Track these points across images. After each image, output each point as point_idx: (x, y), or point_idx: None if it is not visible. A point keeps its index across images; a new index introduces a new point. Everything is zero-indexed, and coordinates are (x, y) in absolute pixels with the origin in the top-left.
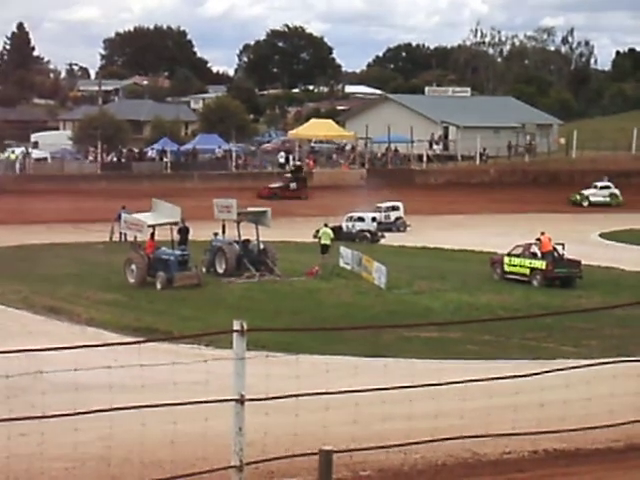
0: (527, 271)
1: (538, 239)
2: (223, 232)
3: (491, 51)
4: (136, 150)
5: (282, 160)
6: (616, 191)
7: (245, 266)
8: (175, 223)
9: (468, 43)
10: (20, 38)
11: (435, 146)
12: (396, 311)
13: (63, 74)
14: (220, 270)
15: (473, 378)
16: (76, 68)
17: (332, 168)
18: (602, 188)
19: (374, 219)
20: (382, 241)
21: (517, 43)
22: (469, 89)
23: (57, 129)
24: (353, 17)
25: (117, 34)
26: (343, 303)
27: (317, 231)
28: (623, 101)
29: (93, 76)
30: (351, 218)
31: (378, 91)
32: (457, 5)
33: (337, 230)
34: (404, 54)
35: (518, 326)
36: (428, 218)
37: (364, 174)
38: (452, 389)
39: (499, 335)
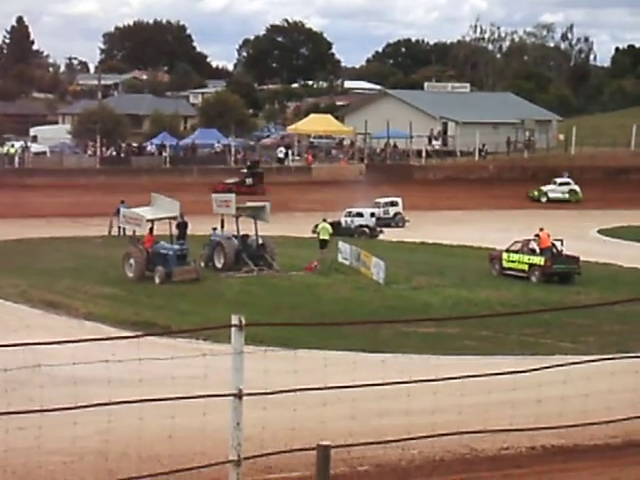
0: (526, 267)
1: (537, 235)
2: (222, 227)
3: (490, 47)
4: (135, 144)
5: (281, 155)
6: (576, 187)
7: (244, 261)
8: (174, 217)
9: (467, 39)
10: (20, 32)
11: (434, 142)
12: (394, 306)
13: (62, 68)
14: (219, 265)
15: (471, 374)
16: (75, 62)
17: (331, 163)
18: (561, 184)
19: (373, 214)
20: (381, 236)
21: (516, 39)
22: (468, 85)
23: (56, 123)
24: (353, 12)
25: (117, 28)
26: (342, 298)
27: (316, 226)
28: (622, 97)
29: (92, 70)
30: (350, 213)
31: (377, 86)
32: (456, 1)
33: (336, 225)
34: (403, 49)
35: (516, 322)
36: (427, 213)
37: (363, 169)
38: (450, 385)
39: (497, 331)
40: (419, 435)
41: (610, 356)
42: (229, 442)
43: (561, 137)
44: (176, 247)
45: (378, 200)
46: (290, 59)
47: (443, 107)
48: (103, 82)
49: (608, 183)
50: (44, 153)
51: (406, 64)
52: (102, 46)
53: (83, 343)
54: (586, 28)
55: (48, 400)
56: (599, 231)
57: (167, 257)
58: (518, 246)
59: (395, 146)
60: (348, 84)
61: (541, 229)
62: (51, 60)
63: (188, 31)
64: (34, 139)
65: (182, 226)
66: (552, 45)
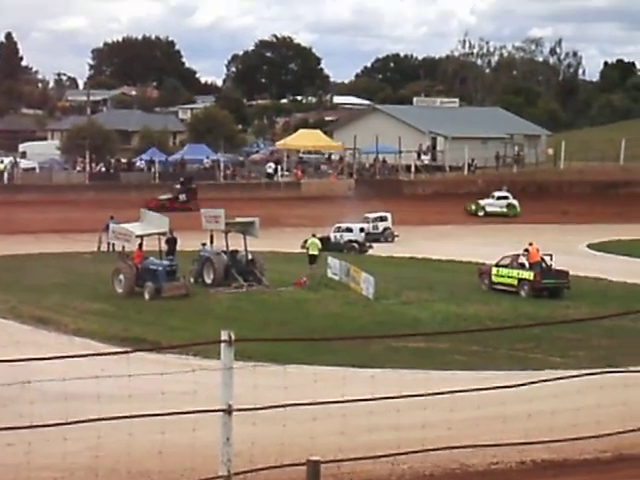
0: (515, 282)
1: (526, 250)
2: (211, 242)
3: (479, 62)
4: (124, 160)
5: (271, 170)
6: (514, 202)
7: (233, 276)
8: (163, 233)
9: (456, 54)
10: (8, 48)
11: (423, 156)
12: (384, 321)
13: (51, 84)
14: (208, 280)
15: (461, 389)
16: (64, 78)
17: (320, 179)
18: (499, 198)
19: (362, 229)
20: (370, 251)
21: (505, 54)
22: (457, 100)
23: (45, 139)
24: (341, 27)
25: (105, 44)
26: (331, 314)
27: (305, 241)
28: (611, 112)
29: (81, 86)
30: (339, 228)
31: (366, 101)
32: (445, 16)
33: (325, 240)
34: (392, 64)
35: (506, 337)
36: (416, 228)
37: (352, 184)
38: (440, 400)
39: (487, 345)
40: (409, 450)
41: (600, 370)
42: (219, 458)
43: (550, 152)
44: (165, 263)
45: (367, 215)
46: (279, 74)
47: (432, 122)
48: (92, 98)
49: (597, 197)
50: (33, 169)
51: (395, 79)
52: (91, 62)
53: (73, 359)
54: (575, 43)
55: (38, 416)
56: (588, 245)
57: (157, 273)
58: (507, 261)
59: (384, 161)
60: (337, 99)
61: (530, 244)
62: (40, 76)
63: (177, 47)
64: (23, 155)
65: (171, 242)
66: (541, 60)
